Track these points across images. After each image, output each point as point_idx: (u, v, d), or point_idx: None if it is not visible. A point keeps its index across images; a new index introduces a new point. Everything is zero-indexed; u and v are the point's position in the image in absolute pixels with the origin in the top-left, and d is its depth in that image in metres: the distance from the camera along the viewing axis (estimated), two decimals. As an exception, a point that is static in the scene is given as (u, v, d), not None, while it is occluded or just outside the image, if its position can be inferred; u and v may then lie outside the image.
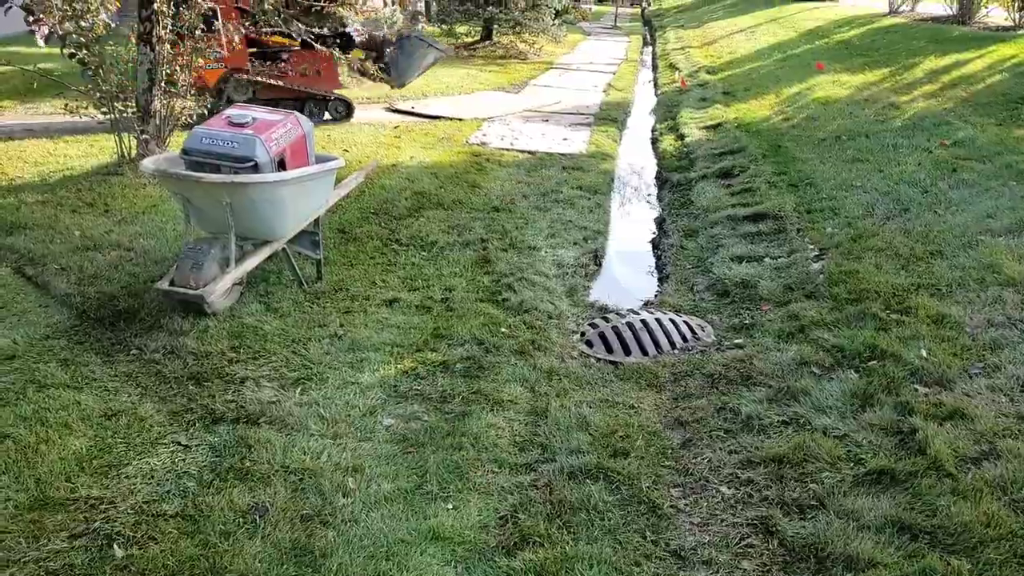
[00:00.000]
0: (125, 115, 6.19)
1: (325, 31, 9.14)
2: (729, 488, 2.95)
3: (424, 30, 17.38)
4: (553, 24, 19.42)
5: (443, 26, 17.85)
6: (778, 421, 3.31)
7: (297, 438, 3.24)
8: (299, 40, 8.51)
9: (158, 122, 6.30)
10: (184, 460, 3.09)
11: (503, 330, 4.31)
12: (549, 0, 19.74)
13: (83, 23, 5.67)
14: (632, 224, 6.90)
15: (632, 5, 40.11)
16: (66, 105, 6.14)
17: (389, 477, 3.03)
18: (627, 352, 4.12)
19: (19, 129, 7.90)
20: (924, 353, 3.58)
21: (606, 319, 4.46)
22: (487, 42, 18.40)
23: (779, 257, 5.08)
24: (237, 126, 4.21)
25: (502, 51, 17.81)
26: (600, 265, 5.71)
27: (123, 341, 3.96)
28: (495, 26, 18.08)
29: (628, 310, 4.59)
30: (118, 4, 6.27)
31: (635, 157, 9.34)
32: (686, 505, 2.90)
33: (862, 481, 2.81)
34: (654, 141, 9.71)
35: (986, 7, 14.59)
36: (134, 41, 6.17)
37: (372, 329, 4.23)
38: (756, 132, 8.63)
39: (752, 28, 19.68)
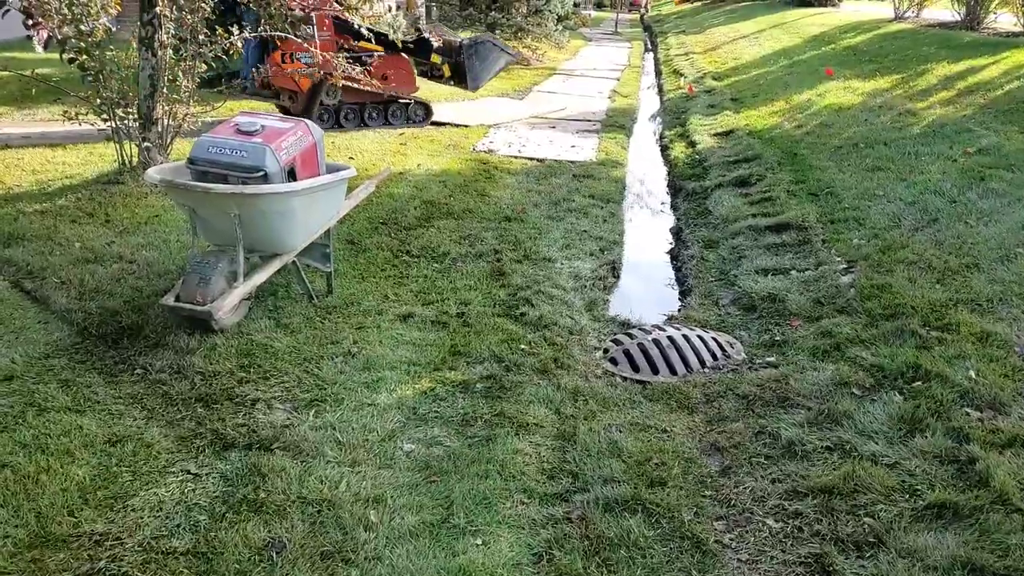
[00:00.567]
0: (126, 122, 6.00)
1: (404, 36, 9.47)
2: (776, 521, 2.76)
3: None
4: (556, 29, 19.32)
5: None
6: (822, 447, 3.13)
7: (313, 465, 3.05)
8: (383, 46, 8.91)
9: (160, 129, 6.12)
10: (194, 490, 2.90)
11: (523, 347, 4.13)
12: (551, 5, 19.63)
13: (83, 27, 5.49)
14: (648, 234, 6.72)
15: (631, 11, 40.10)
16: (64, 111, 5.95)
17: (413, 509, 2.84)
18: (655, 371, 3.94)
19: (16, 136, 7.71)
20: (972, 374, 3.41)
21: (630, 335, 4.28)
22: (490, 48, 18.25)
23: (806, 270, 4.91)
24: (245, 134, 4.03)
25: (505, 57, 17.64)
26: (618, 277, 5.54)
27: (127, 360, 3.78)
28: (497, 31, 17.93)
29: (653, 326, 4.41)
30: (119, 8, 6.09)
31: (646, 165, 9.17)
32: (732, 540, 2.72)
33: (922, 515, 2.63)
34: (664, 148, 9.55)
35: (994, 13, 14.48)
36: (135, 46, 5.98)
37: (387, 346, 4.05)
38: (769, 139, 8.47)
39: (755, 34, 19.57)
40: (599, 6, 41.61)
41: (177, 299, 3.93)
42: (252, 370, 3.73)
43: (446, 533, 2.74)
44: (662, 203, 7.58)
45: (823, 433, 3.23)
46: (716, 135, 9.18)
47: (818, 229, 5.47)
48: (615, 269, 5.55)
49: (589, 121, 10.91)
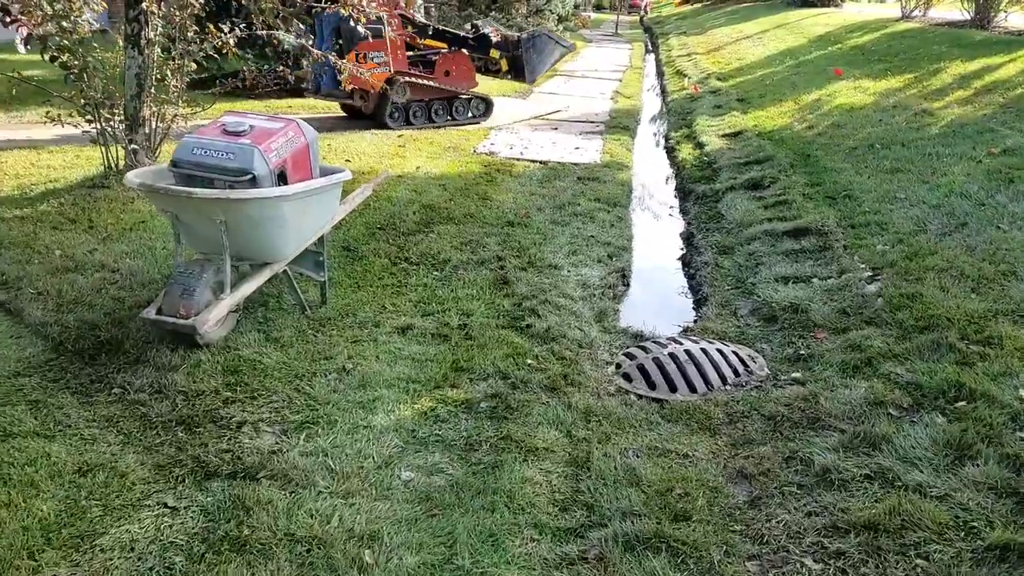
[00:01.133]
0: (112, 124, 5.73)
1: (463, 33, 9.85)
2: (816, 562, 2.49)
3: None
4: (556, 30, 19.07)
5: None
6: (860, 475, 2.85)
7: (303, 497, 2.78)
8: (446, 42, 9.36)
9: (148, 131, 5.84)
10: (171, 527, 2.62)
11: (530, 362, 3.85)
12: (552, 5, 19.40)
13: (65, 24, 5.22)
14: (658, 239, 6.45)
15: (631, 13, 39.89)
16: (47, 113, 5.68)
17: (412, 548, 2.56)
18: (672, 388, 3.67)
19: (0, 139, 7.44)
20: (1023, 394, 3.13)
21: (644, 348, 4.00)
22: (490, 48, 18.01)
23: (828, 278, 4.63)
24: (233, 135, 3.76)
25: (505, 57, 17.39)
26: (628, 285, 5.26)
27: (104, 377, 3.50)
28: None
29: (668, 338, 4.14)
30: (104, 5, 5.82)
31: (652, 167, 8.91)
32: (767, 584, 2.44)
33: (983, 558, 2.35)
34: (671, 150, 9.28)
35: (1005, 12, 14.23)
36: (121, 44, 5.72)
37: (384, 362, 3.77)
38: (780, 140, 8.20)
39: (759, 34, 19.34)
40: (599, 8, 41.43)
41: (159, 312, 3.66)
42: (239, 389, 3.45)
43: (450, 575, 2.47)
44: (671, 206, 7.31)
45: (860, 459, 2.95)
46: (724, 136, 8.91)
47: (839, 234, 5.20)
48: (625, 277, 5.28)
49: (592, 122, 10.65)
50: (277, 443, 3.10)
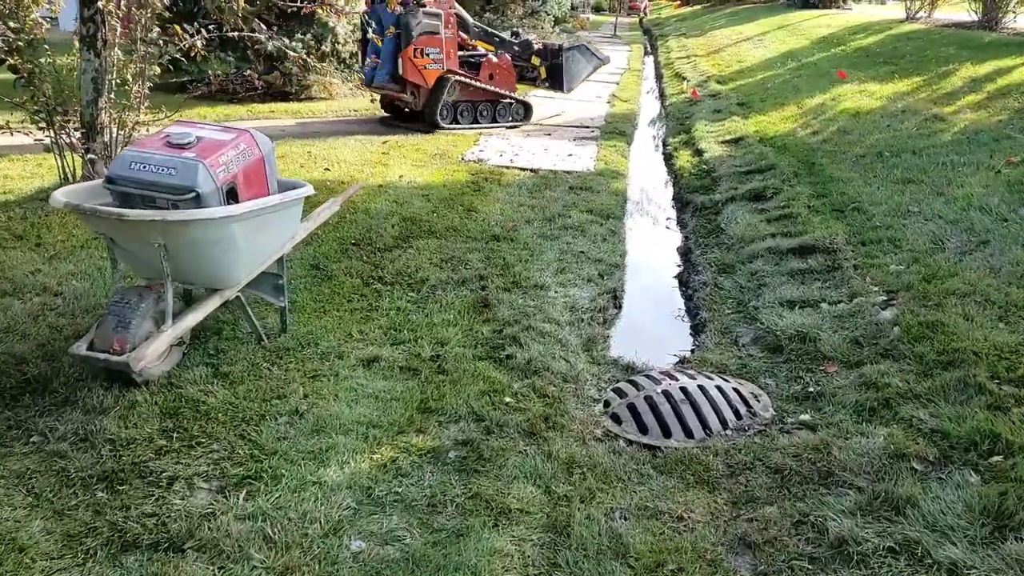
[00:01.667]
0: (67, 131, 5.33)
1: (508, 37, 10.28)
2: (834, 665, 2.08)
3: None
4: (552, 32, 18.69)
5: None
6: (883, 547, 2.45)
7: (234, 573, 2.38)
8: (495, 46, 9.70)
9: (107, 139, 5.44)
10: (71, 616, 2.22)
11: (508, 400, 3.45)
12: (548, 7, 19.02)
13: (12, 23, 4.82)
14: (653, 255, 6.05)
15: (629, 15, 39.50)
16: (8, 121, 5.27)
17: (355, 643, 2.16)
18: (666, 433, 3.26)
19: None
20: (1069, 449, 2.73)
21: (635, 384, 3.60)
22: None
23: (838, 302, 4.23)
24: (176, 147, 3.37)
25: (500, 60, 17.01)
26: (620, 307, 4.86)
27: (24, 422, 3.10)
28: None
29: (661, 372, 3.73)
30: (61, 3, 5.43)
31: (649, 175, 8.51)
32: None
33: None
34: (668, 157, 8.88)
35: (1013, 13, 13.84)
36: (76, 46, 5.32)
37: (344, 401, 3.37)
38: (783, 147, 7.80)
39: (759, 36, 18.95)
40: (598, 10, 41.04)
41: (90, 347, 3.27)
42: (176, 436, 3.05)
43: None
44: (668, 218, 6.90)
45: (882, 526, 2.55)
46: (724, 143, 8.51)
47: (848, 252, 4.80)
48: (616, 298, 4.87)
49: (587, 128, 10.25)
50: (211, 504, 2.69)
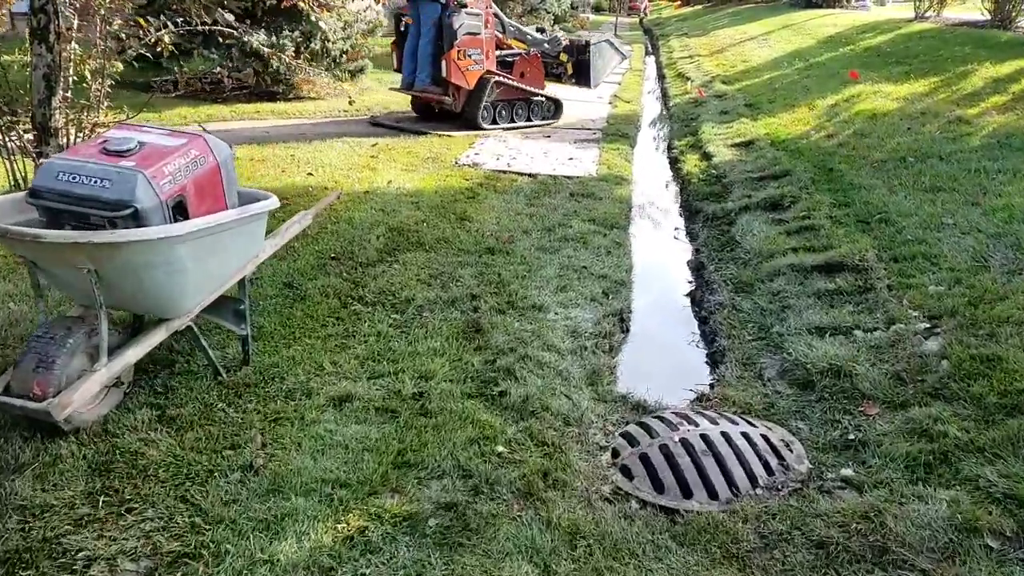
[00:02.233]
0: (15, 133, 4.84)
1: (540, 35, 10.22)
2: None
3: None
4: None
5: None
6: (962, 658, 1.97)
7: None
8: (528, 44, 9.65)
9: (62, 142, 4.95)
10: None
11: (500, 449, 2.97)
12: (547, 5, 18.54)
13: (-49, 15, 4.33)
14: (662, 271, 5.55)
15: (630, 15, 39.05)
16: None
17: None
18: (686, 492, 2.78)
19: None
20: None
21: (648, 429, 3.12)
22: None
23: (874, 329, 3.75)
24: (113, 155, 2.88)
25: (497, 59, 16.51)
26: (627, 331, 4.37)
27: (-77, 482, 2.61)
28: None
29: (677, 413, 3.25)
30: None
31: (654, 181, 8.01)
32: None
33: None
34: (674, 161, 8.40)
35: (1027, 12, 13.39)
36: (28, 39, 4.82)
37: (307, 452, 2.88)
38: (797, 151, 7.32)
39: (764, 36, 18.48)
40: (598, 9, 40.59)
41: (7, 390, 2.78)
42: (103, 500, 2.56)
43: None
44: (676, 228, 6.41)
45: (958, 626, 2.07)
46: (734, 146, 8.03)
47: (880, 271, 4.32)
48: (623, 321, 4.39)
49: (588, 130, 9.77)
50: (136, 593, 2.21)
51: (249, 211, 3.20)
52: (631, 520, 2.65)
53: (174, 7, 5.20)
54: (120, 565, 2.31)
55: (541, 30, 11.10)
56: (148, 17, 5.10)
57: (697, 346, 4.25)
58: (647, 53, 22.18)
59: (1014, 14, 13.36)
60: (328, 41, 9.99)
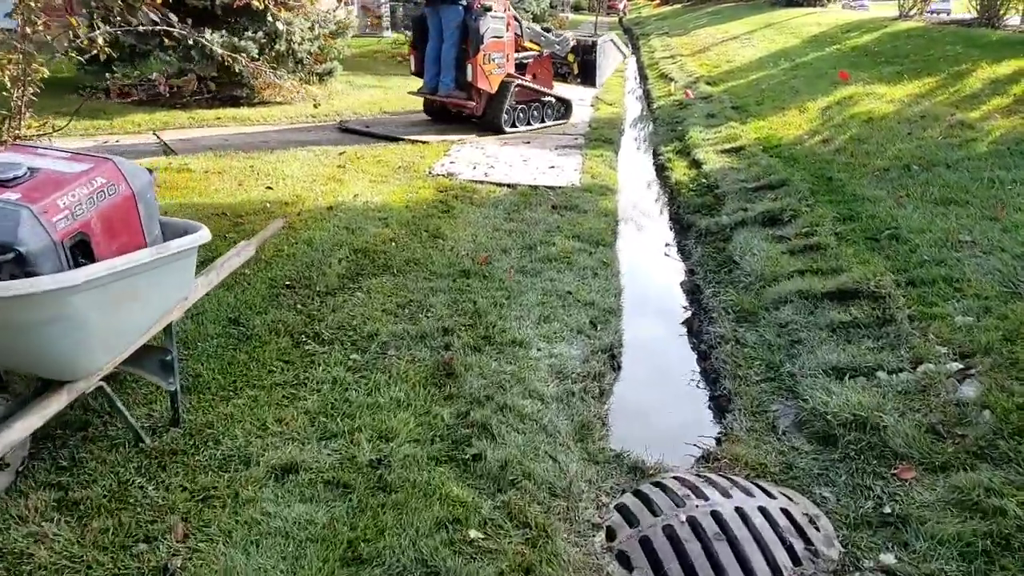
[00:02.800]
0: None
1: (552, 37, 10.02)
2: None
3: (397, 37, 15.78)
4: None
5: (408, 33, 16.00)
6: None
7: None
8: (541, 46, 9.51)
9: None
10: None
11: (473, 534, 2.48)
12: (524, 4, 18.07)
13: None
14: (654, 295, 5.08)
15: (609, 14, 38.69)
16: None
17: None
18: (697, 591, 2.30)
19: None
20: None
21: (648, 502, 2.64)
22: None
23: (899, 370, 3.30)
24: (-4, 185, 2.35)
25: (475, 60, 16.01)
26: (618, 369, 3.90)
27: None
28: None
29: (680, 479, 2.77)
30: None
31: (641, 191, 7.56)
32: None
33: None
34: (661, 168, 7.94)
35: (1016, 10, 13.09)
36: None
37: (238, 545, 2.37)
38: (792, 159, 6.90)
39: (746, 35, 18.14)
40: (577, 9, 40.21)
41: None
42: (-27, 623, 2.04)
43: None
44: (667, 244, 5.94)
45: None
46: (724, 152, 7.59)
47: (899, 298, 3.87)
48: (614, 358, 3.91)
49: (570, 135, 9.29)
50: None
51: (170, 249, 2.68)
52: (633, 631, 2.16)
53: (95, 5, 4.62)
54: None
55: (548, 30, 10.84)
56: (79, 16, 4.55)
57: (698, 386, 3.77)
58: (629, 54, 21.79)
59: (1002, 12, 13.08)
60: (294, 42, 9.44)
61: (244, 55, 7.63)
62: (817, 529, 2.54)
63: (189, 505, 2.54)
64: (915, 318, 3.69)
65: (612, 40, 11.13)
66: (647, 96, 13.32)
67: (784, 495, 2.70)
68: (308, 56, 9.63)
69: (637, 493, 2.73)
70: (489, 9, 8.34)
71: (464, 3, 8.27)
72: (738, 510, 2.54)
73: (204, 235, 2.87)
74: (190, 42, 4.84)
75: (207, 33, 8.36)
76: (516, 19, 8.97)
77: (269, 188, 6.18)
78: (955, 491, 2.57)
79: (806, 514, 2.60)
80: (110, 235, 2.55)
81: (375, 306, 4.15)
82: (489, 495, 2.68)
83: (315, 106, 7.91)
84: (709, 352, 3.91)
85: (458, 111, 9.06)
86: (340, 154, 7.52)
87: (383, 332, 3.85)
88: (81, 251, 2.44)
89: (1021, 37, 10.91)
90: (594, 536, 2.57)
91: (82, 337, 2.43)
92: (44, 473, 2.63)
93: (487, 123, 8.94)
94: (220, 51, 5.30)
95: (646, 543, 2.46)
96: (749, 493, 2.66)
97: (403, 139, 8.39)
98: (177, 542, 2.37)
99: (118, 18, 4.55)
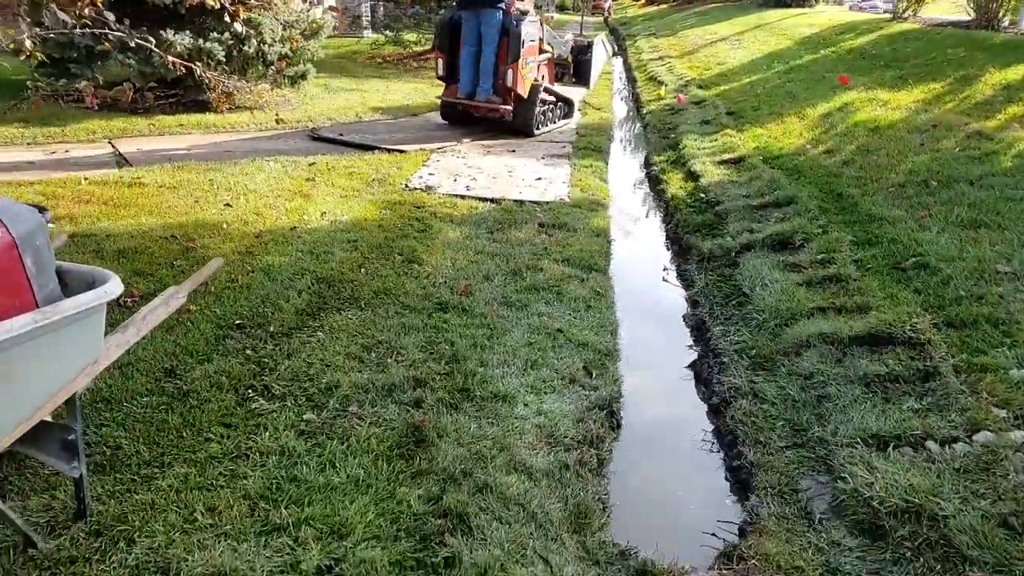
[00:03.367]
0: None
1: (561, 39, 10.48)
2: None
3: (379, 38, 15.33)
4: (548, 33, 17.23)
5: (388, 33, 15.44)
6: None
7: None
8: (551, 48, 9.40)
9: None
10: None
11: None
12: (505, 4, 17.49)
13: None
14: (655, 332, 4.54)
15: (594, 14, 38.24)
16: None
17: None
18: None
19: None
20: None
21: (663, 626, 2.11)
22: (440, 51, 16.07)
23: (953, 440, 2.79)
24: None
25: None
26: (618, 428, 3.37)
27: None
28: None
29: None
30: None
31: (635, 206, 7.04)
32: None
33: None
34: (655, 180, 7.43)
35: (1013, 13, 12.71)
36: None
37: None
38: (796, 171, 6.41)
39: (736, 36, 17.70)
40: (562, 8, 39.74)
41: None
42: None
43: None
44: (665, 269, 5.41)
45: None
46: (722, 163, 7.09)
47: (940, 345, 3.37)
48: (613, 415, 3.38)
49: (557, 142, 8.76)
50: None
51: (60, 312, 2.12)
52: None
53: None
54: None
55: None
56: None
57: (712, 451, 3.25)
58: (614, 54, 21.31)
59: (1000, 13, 12.70)
60: (265, 44, 8.84)
61: (207, 58, 7.06)
62: (876, 666, 2.02)
63: (82, 641, 1.99)
64: (961, 370, 3.20)
65: (602, 40, 11.48)
66: (636, 100, 12.81)
67: (830, 614, 2.18)
68: (279, 59, 9.03)
69: (649, 610, 2.20)
70: (527, 13, 8.18)
71: (503, 6, 7.99)
72: (778, 642, 2.02)
73: (113, 288, 2.30)
74: (131, 44, 4.25)
75: (170, 34, 7.80)
76: (543, 23, 8.92)
77: (228, 205, 5.60)
78: (1044, 613, 2.06)
79: (860, 642, 2.09)
80: (-18, 296, 2.00)
81: (337, 349, 3.61)
82: (465, 618, 2.15)
83: (277, 121, 7.31)
84: (722, 407, 3.39)
85: (482, 116, 8.78)
86: (310, 165, 6.94)
87: (344, 383, 3.31)
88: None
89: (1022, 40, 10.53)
90: (597, 675, 2.05)
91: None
92: (-103, 599, 2.07)
93: (517, 127, 8.78)
94: (171, 58, 4.72)
95: None
96: (788, 614, 2.14)
97: (379, 148, 7.82)
98: None
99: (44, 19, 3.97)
